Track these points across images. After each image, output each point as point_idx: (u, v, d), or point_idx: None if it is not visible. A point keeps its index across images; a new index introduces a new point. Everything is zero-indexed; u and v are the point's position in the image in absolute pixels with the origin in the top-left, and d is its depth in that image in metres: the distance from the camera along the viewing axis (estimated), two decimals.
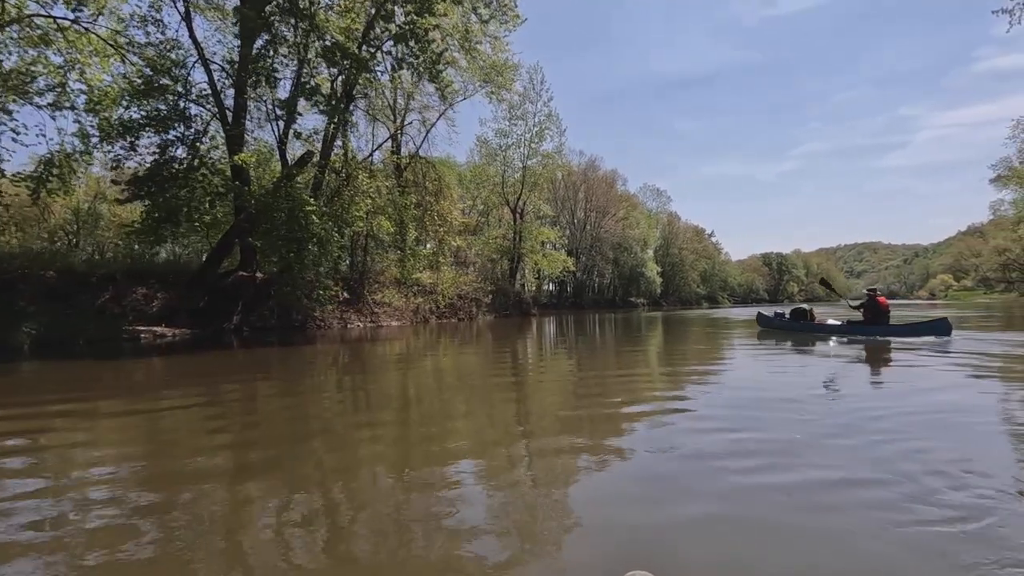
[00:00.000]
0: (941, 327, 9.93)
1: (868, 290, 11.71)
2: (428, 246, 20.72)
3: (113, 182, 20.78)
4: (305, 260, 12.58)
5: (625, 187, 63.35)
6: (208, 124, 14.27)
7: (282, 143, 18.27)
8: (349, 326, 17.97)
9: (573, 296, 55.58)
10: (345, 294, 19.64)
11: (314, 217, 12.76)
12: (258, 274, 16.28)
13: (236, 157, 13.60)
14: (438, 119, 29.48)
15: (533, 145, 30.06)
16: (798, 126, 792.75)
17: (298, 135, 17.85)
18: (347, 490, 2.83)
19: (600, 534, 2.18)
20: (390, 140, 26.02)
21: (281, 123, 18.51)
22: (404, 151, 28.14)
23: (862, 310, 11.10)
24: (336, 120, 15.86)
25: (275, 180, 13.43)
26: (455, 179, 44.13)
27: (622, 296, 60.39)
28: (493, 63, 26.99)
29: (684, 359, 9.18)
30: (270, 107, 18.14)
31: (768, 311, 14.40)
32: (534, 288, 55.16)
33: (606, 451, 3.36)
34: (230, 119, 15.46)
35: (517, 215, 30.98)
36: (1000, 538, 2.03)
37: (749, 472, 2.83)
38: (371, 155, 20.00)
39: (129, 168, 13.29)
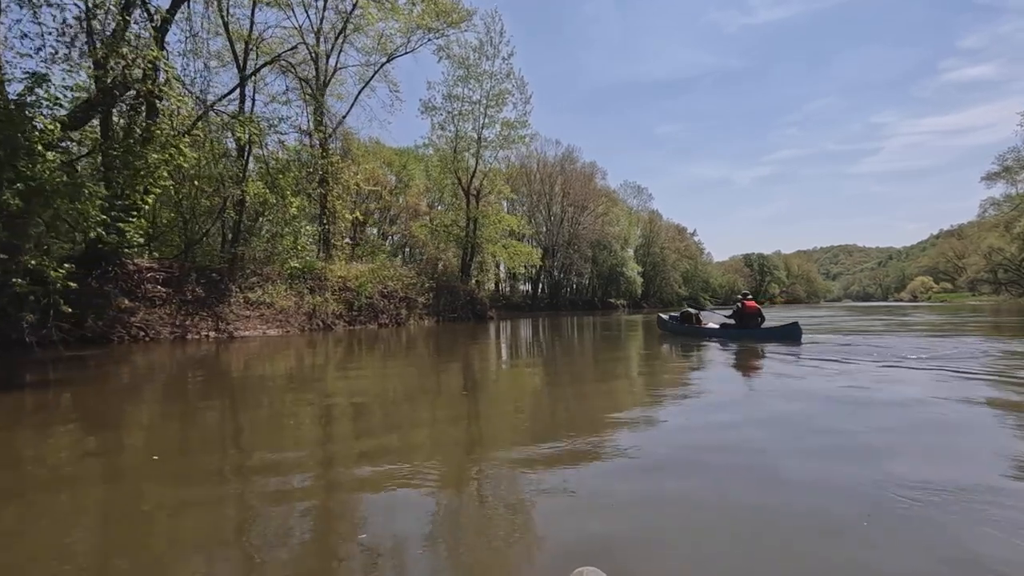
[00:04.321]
0: (793, 333, 10.26)
1: (740, 295, 12.00)
2: (304, 208, 14.70)
3: None
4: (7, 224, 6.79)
5: (605, 181, 58.57)
6: None
7: (99, 65, 12.47)
8: (190, 336, 12.17)
9: (549, 296, 50.41)
10: (199, 291, 13.85)
11: (41, 147, 7.03)
12: (31, 262, 10.39)
13: None
14: (373, 75, 23.89)
15: (490, 111, 24.42)
16: (775, 131, 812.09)
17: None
18: None
19: (550, 533, 2.09)
20: (311, 112, 20.21)
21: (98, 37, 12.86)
22: (342, 126, 22.72)
23: (732, 314, 11.60)
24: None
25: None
26: (421, 169, 38.14)
27: (601, 297, 55.66)
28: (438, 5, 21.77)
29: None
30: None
31: (666, 315, 14.81)
32: (507, 287, 49.78)
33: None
34: None
35: (472, 197, 25.29)
36: None
37: (705, 476, 2.75)
38: (227, 96, 14.11)
39: None
